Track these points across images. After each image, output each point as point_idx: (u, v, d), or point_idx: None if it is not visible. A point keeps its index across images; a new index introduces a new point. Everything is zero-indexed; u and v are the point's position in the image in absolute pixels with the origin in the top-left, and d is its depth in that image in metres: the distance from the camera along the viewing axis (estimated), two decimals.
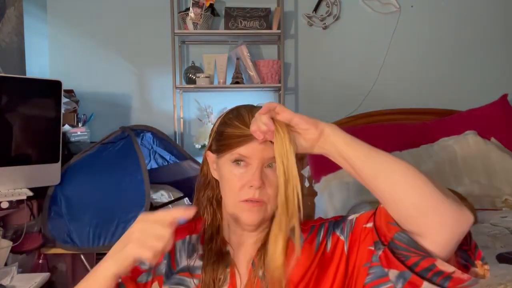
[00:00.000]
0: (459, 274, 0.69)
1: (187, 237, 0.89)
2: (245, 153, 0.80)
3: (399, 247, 0.72)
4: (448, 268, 0.69)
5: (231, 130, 0.82)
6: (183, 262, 0.86)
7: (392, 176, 0.72)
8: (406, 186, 0.71)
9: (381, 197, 0.74)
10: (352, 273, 0.81)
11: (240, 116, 0.83)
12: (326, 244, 0.84)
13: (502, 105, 2.74)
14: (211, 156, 0.88)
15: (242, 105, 0.88)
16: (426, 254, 0.70)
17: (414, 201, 0.70)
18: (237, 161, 0.81)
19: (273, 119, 0.76)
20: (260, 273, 0.83)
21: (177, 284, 0.84)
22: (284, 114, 0.76)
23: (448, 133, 2.62)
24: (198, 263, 0.86)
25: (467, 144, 2.49)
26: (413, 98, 3.01)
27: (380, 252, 0.76)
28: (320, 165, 2.52)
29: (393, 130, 2.70)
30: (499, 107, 2.73)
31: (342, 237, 0.83)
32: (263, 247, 0.84)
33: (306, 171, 2.70)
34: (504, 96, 2.77)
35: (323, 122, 0.77)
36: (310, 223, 0.89)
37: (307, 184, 2.74)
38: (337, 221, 0.87)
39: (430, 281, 0.70)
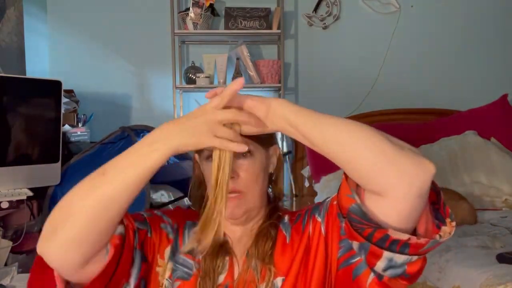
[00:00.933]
0: (414, 240, 0.70)
1: (197, 222, 0.91)
2: (210, 148, 0.81)
3: (353, 219, 0.74)
4: (402, 236, 0.70)
5: None
6: (189, 244, 0.88)
7: (340, 136, 0.72)
8: (356, 145, 0.71)
9: (336, 161, 0.74)
10: (331, 253, 0.82)
11: None
12: (309, 229, 0.86)
13: (502, 105, 2.74)
14: (196, 157, 0.92)
15: None
16: (377, 225, 0.72)
17: (367, 157, 0.70)
18: (209, 157, 0.83)
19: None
20: (253, 263, 0.85)
21: (181, 264, 0.87)
22: (230, 110, 0.76)
23: (448, 133, 2.62)
24: None
25: (467, 144, 2.49)
26: (413, 98, 3.01)
27: (343, 224, 0.78)
28: (320, 165, 2.52)
29: (393, 130, 2.69)
30: (499, 107, 2.73)
31: (319, 219, 0.85)
32: (257, 238, 0.87)
33: (306, 171, 2.70)
34: (504, 96, 2.78)
35: (270, 98, 0.78)
36: (297, 212, 0.91)
37: (307, 184, 2.74)
38: (317, 205, 0.89)
39: (389, 249, 0.72)
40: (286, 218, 0.90)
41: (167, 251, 0.87)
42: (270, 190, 0.94)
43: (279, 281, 0.84)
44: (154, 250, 0.85)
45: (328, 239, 0.83)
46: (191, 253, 0.87)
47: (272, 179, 0.93)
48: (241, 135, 0.78)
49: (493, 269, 1.31)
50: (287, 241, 0.86)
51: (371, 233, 0.72)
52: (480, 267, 1.35)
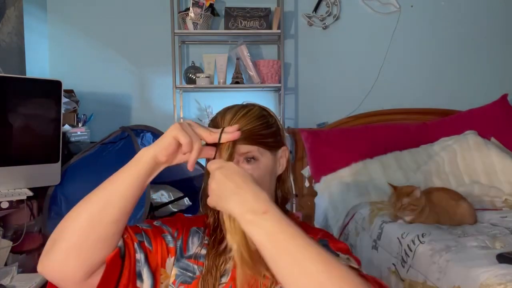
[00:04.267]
0: None
1: (202, 228, 0.92)
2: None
3: None
4: None
5: None
6: (193, 249, 0.89)
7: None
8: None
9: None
10: None
11: (215, 119, 0.86)
12: None
13: (502, 105, 2.74)
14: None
15: (230, 106, 0.88)
16: None
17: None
18: None
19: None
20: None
21: (184, 269, 0.87)
22: None
23: (448, 133, 2.62)
24: (203, 251, 0.88)
25: (467, 144, 2.49)
26: (413, 98, 3.02)
27: None
28: (320, 165, 2.51)
29: (393, 130, 2.70)
30: (499, 107, 2.73)
31: None
32: None
33: (306, 171, 2.70)
34: (504, 96, 2.78)
35: (230, 200, 0.72)
36: (304, 227, 0.85)
37: (307, 184, 2.74)
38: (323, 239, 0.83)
39: None
40: None
41: (169, 260, 0.86)
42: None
43: None
44: (157, 262, 0.84)
45: None
46: (194, 257, 0.87)
47: (281, 180, 0.91)
48: (247, 140, 0.79)
49: (493, 269, 1.31)
50: None
51: None
52: (480, 267, 1.34)
